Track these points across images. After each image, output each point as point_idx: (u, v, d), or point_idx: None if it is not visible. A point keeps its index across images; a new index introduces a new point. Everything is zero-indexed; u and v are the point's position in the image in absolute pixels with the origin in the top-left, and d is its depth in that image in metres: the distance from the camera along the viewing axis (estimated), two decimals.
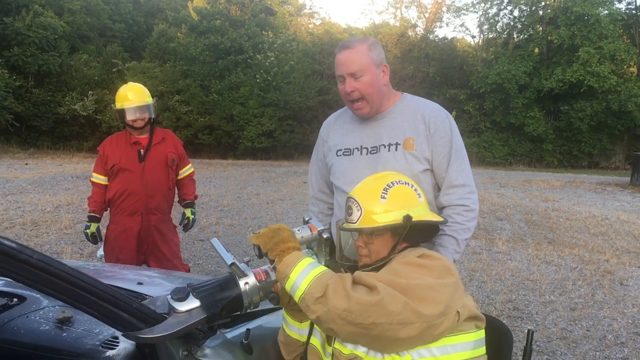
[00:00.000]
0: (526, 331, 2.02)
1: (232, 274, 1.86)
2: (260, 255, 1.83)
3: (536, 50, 31.13)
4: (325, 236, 1.93)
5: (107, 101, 26.36)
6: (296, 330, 1.96)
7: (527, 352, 1.97)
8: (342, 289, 1.58)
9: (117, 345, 1.93)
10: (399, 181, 1.93)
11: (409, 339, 1.55)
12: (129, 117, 4.19)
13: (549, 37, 29.75)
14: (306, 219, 2.00)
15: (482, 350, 1.70)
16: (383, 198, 1.86)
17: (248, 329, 2.10)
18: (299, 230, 1.93)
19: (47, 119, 26.73)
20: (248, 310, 1.89)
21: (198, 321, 1.76)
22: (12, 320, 2.09)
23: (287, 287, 1.71)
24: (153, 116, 4.31)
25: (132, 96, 4.21)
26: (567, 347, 4.66)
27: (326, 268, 1.74)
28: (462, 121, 29.10)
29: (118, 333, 1.92)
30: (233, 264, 1.85)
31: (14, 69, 25.82)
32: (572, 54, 28.12)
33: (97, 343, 1.94)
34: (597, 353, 4.57)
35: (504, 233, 9.48)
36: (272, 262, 1.82)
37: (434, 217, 1.96)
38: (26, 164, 18.62)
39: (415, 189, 1.94)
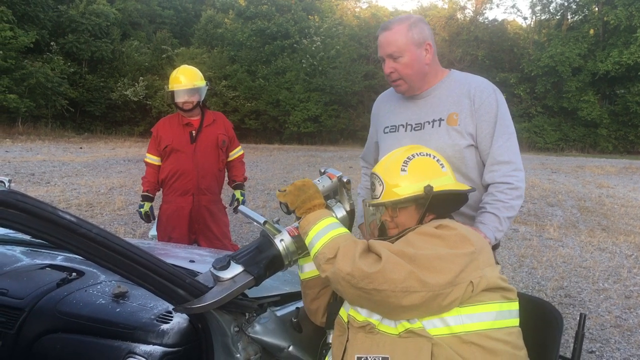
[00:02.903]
0: (578, 316, 1.95)
1: (266, 236, 1.89)
2: (289, 212, 1.86)
3: (591, 31, 29.97)
4: (344, 180, 1.96)
5: (157, 87, 26.95)
6: (313, 266, 1.94)
7: (579, 336, 1.91)
8: (351, 253, 1.61)
9: (171, 320, 1.98)
10: (420, 153, 1.91)
11: (413, 307, 1.54)
12: (178, 99, 4.28)
13: (605, 18, 28.57)
14: (322, 170, 2.02)
15: (509, 322, 1.66)
16: (403, 171, 1.86)
17: (298, 308, 2.12)
18: (319, 180, 1.96)
19: (100, 105, 27.53)
20: (289, 267, 1.92)
21: (244, 284, 1.79)
22: (71, 293, 2.17)
23: (306, 243, 1.79)
24: (202, 99, 4.38)
25: (183, 79, 4.29)
26: (621, 335, 4.52)
27: (345, 230, 1.76)
28: (513, 105, 28.41)
29: (172, 307, 1.97)
30: (266, 221, 1.91)
31: (68, 55, 26.67)
32: (630, 35, 26.97)
33: (152, 317, 1.99)
34: None
35: (556, 219, 9.24)
36: (299, 218, 1.85)
37: (459, 186, 1.92)
38: (81, 147, 19.25)
39: (438, 160, 1.91)
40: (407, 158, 1.88)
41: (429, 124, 2.37)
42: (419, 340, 1.58)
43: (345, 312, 1.79)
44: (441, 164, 1.90)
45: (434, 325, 1.59)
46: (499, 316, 1.63)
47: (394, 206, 1.85)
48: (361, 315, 1.70)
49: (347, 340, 1.74)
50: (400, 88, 2.40)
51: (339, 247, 1.65)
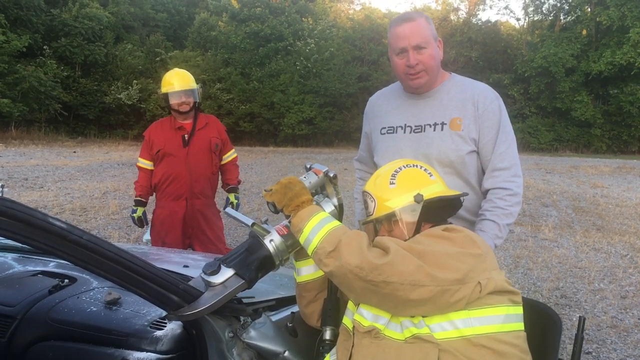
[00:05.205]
0: (575, 319, 1.93)
1: (256, 236, 1.87)
2: (276, 211, 1.84)
3: (584, 32, 30.13)
4: (331, 175, 1.94)
5: (150, 90, 26.90)
6: (310, 269, 1.96)
7: (579, 339, 1.89)
8: (357, 245, 1.60)
9: (165, 326, 1.95)
10: (407, 165, 1.93)
11: (421, 301, 1.53)
12: (174, 100, 4.25)
13: (597, 19, 28.72)
14: (307, 166, 2.00)
15: (516, 326, 1.65)
16: (392, 184, 1.87)
17: (293, 312, 2.10)
18: (305, 177, 1.93)
19: (93, 108, 27.46)
20: (281, 266, 1.90)
21: (236, 288, 1.76)
22: (63, 300, 2.14)
23: (301, 240, 1.76)
24: (198, 101, 4.36)
25: (178, 81, 4.27)
26: (617, 335, 4.51)
27: (340, 223, 1.76)
28: (506, 106, 27.46)
29: (165, 314, 1.94)
30: (254, 223, 1.88)
31: (61, 59, 26.59)
32: (622, 35, 27.14)
33: (145, 323, 1.97)
34: None
35: (551, 220, 9.25)
36: (288, 217, 1.83)
37: (451, 192, 1.93)
38: (74, 151, 19.17)
39: (425, 169, 1.92)
40: (395, 171, 1.90)
41: (430, 127, 2.34)
42: (426, 346, 1.57)
43: (349, 319, 1.77)
44: (429, 173, 1.91)
45: (443, 329, 1.57)
46: (506, 319, 1.62)
47: (388, 220, 1.86)
48: (367, 320, 1.68)
49: (352, 346, 1.72)
50: (420, 80, 2.33)
51: (340, 240, 1.64)
